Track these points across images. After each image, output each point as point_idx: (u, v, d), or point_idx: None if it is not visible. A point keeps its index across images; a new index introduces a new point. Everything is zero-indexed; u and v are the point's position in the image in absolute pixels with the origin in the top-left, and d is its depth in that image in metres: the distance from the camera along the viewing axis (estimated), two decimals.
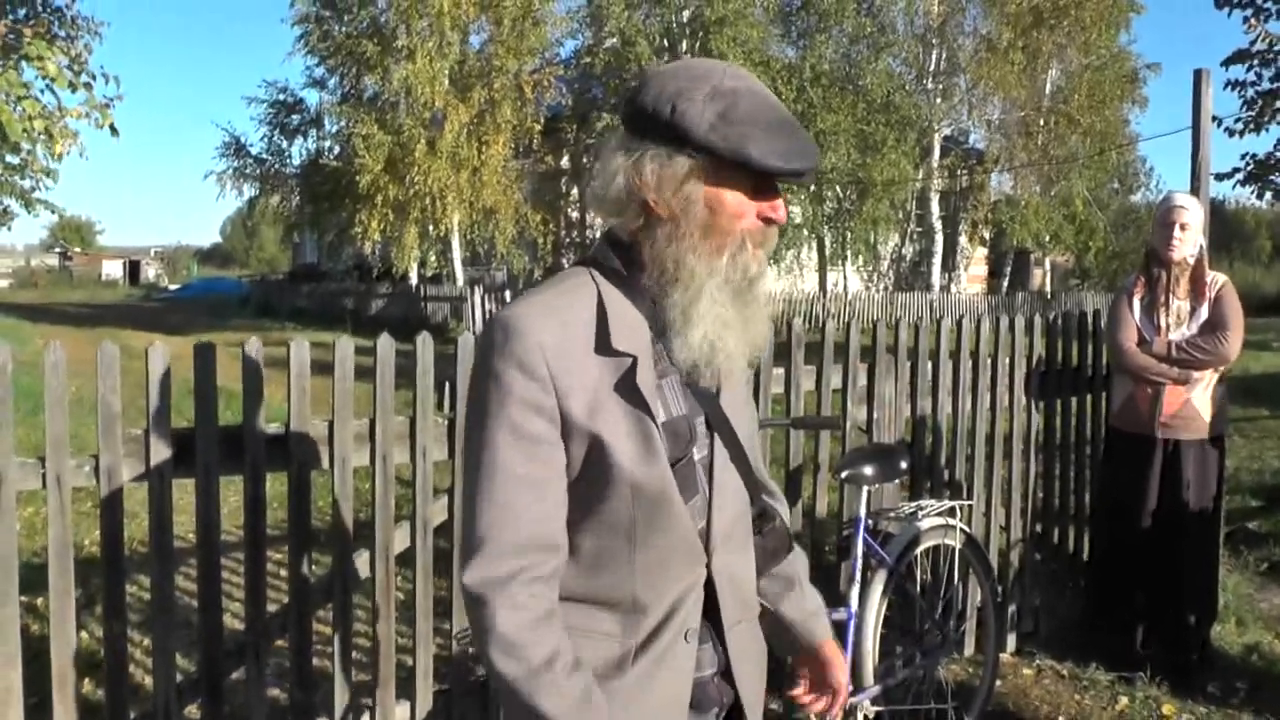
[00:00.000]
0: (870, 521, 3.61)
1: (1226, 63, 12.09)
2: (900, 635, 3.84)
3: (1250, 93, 12.13)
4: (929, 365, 4.26)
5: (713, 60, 1.53)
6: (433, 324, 21.52)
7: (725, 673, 1.58)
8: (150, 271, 75.57)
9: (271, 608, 3.07)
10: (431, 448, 3.09)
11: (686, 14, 25.07)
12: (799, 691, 1.83)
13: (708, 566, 1.52)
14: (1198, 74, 5.41)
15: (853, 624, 3.44)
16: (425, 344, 3.06)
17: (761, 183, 1.43)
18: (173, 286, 60.04)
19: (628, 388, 1.42)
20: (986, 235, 30.31)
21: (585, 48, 25.86)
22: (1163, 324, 4.26)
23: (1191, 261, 4.26)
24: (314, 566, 3.05)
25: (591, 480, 1.42)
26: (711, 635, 1.56)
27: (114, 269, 73.89)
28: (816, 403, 3.94)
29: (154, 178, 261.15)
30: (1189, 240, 4.25)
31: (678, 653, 1.49)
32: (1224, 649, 4.59)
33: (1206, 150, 5.32)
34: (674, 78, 1.43)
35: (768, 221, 1.46)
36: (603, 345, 1.42)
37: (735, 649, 1.57)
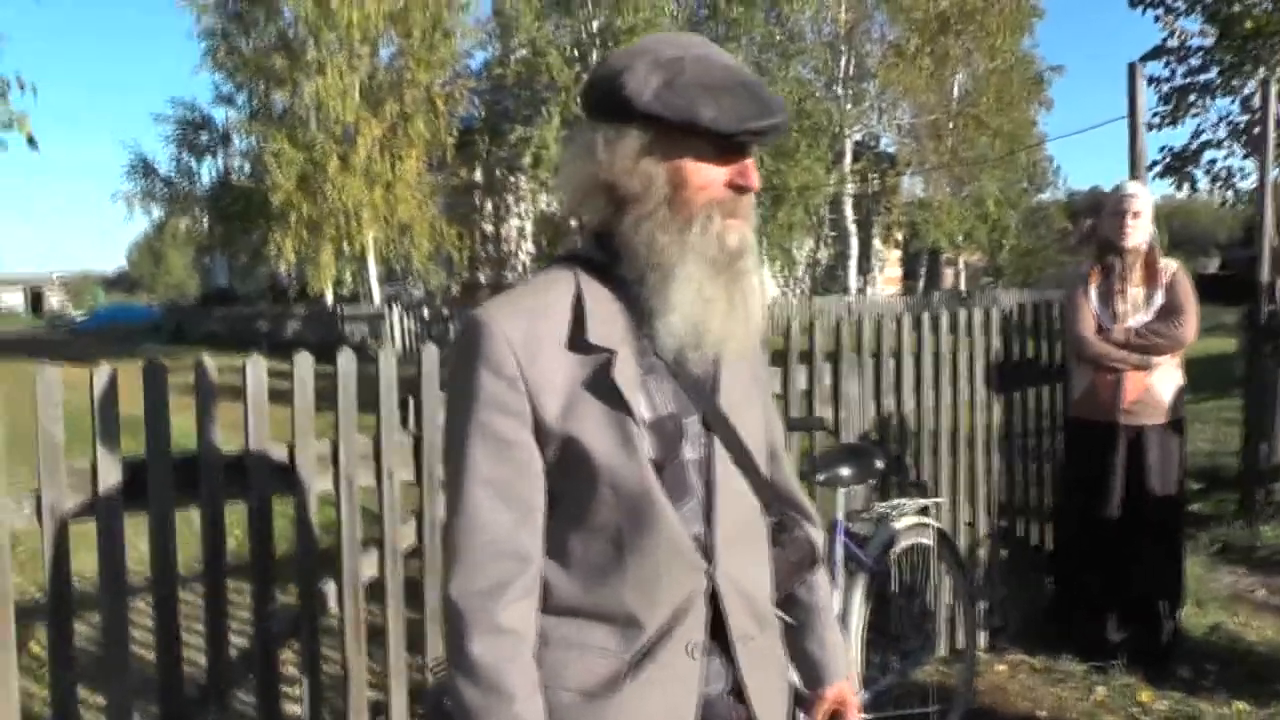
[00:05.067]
0: (847, 524, 3.53)
1: (1145, 59, 12.43)
2: (880, 639, 3.76)
3: (1167, 88, 12.54)
4: (893, 363, 4.20)
5: (669, 34, 1.47)
6: (351, 343, 21.04)
7: (737, 690, 1.47)
8: (54, 300, 73.14)
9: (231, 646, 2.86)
10: (398, 469, 2.92)
11: (596, 24, 25.00)
12: None
13: (711, 575, 1.42)
14: (1132, 68, 5.49)
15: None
16: (388, 360, 2.88)
17: (722, 148, 1.36)
18: (79, 314, 58.06)
19: (604, 384, 1.34)
20: (900, 237, 30.75)
21: (496, 59, 25.64)
22: (1120, 311, 4.27)
23: (1144, 248, 4.29)
24: (277, 601, 2.84)
25: (572, 482, 1.36)
26: (720, 650, 1.45)
27: (14, 298, 71.40)
28: (784, 405, 3.86)
29: (55, 202, 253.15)
30: (1141, 227, 4.27)
31: (679, 669, 1.39)
32: (1189, 632, 4.60)
33: (1143, 142, 5.39)
34: (621, 55, 1.39)
35: (738, 189, 1.39)
36: (578, 341, 1.35)
37: (746, 665, 1.47)
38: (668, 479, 1.38)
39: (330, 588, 2.90)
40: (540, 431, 1.34)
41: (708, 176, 1.36)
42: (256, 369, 2.69)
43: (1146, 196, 4.32)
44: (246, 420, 2.67)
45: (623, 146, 1.35)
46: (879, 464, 3.53)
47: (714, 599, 1.43)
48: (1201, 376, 13.15)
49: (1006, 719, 3.94)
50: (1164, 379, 4.26)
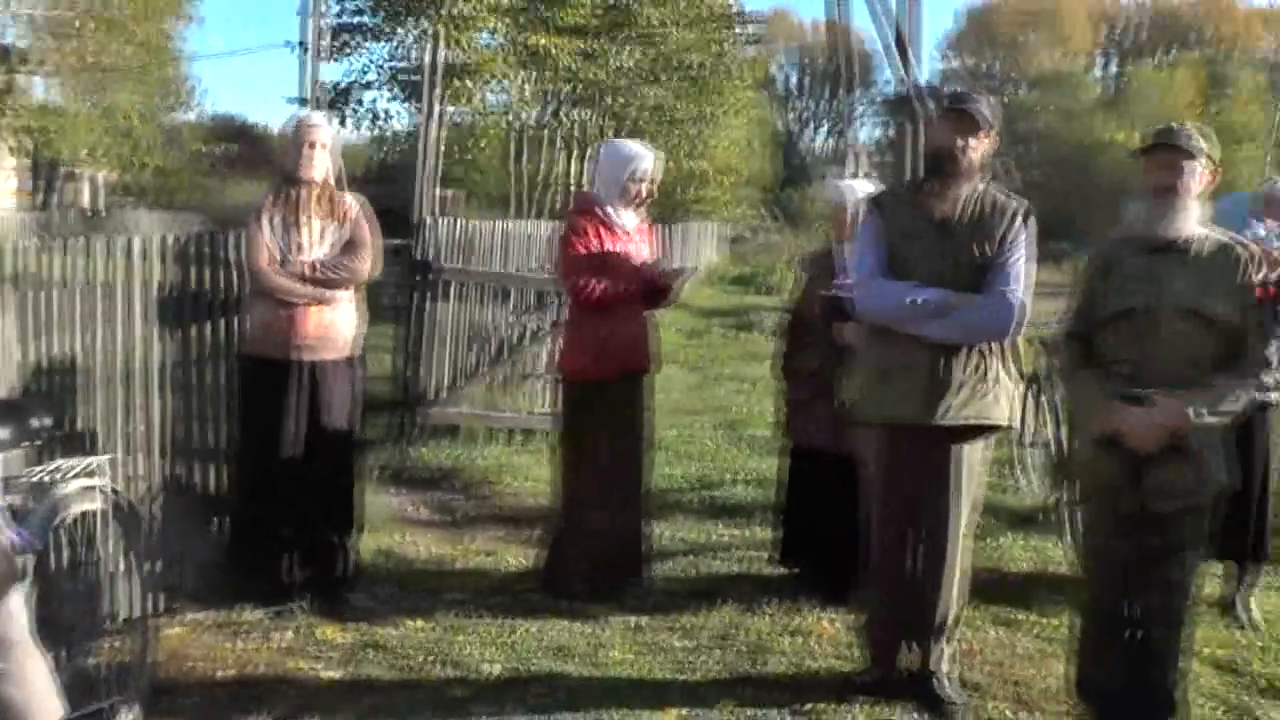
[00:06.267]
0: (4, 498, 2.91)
1: None
2: (47, 628, 3.18)
3: (334, 23, 12.83)
4: (48, 296, 3.56)
5: None
6: None
7: None
8: None
9: None
10: None
11: None
12: None
13: None
14: None
15: None
16: None
17: None
18: None
19: None
20: (26, 144, 27.47)
21: None
22: (300, 244, 4.19)
23: (328, 180, 4.27)
24: None
25: None
26: None
27: None
28: None
29: None
30: (323, 159, 4.24)
31: None
32: (365, 560, 4.71)
33: (317, 71, 5.34)
34: None
35: None
36: None
37: None
38: None
39: None
40: None
41: None
42: None
43: (329, 129, 4.32)
44: None
45: None
46: (42, 421, 3.05)
47: None
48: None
49: (190, 687, 3.65)
50: (343, 314, 4.29)
